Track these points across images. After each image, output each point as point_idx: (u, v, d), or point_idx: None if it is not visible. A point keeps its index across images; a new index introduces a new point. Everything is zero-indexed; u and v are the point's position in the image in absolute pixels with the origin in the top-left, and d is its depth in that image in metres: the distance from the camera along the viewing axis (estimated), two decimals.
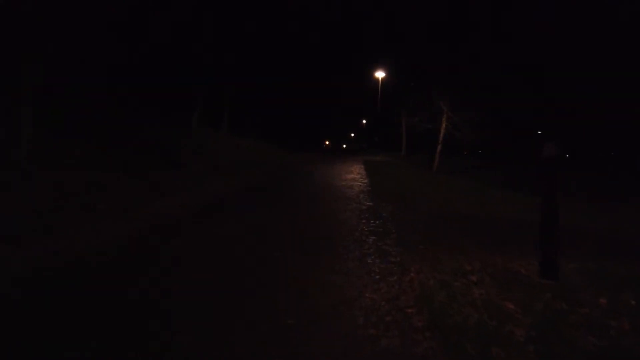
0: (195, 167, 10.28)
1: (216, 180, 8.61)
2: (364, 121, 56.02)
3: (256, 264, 3.05)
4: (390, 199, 6.55)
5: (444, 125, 18.68)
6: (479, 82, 16.17)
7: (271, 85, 22.82)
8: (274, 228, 4.31)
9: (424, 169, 17.48)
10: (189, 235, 3.93)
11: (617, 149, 34.05)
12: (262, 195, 7.00)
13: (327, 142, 58.02)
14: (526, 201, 7.41)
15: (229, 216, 4.97)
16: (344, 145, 65.39)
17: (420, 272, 2.89)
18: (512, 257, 3.35)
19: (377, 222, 4.68)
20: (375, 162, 17.15)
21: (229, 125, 19.95)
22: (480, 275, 2.84)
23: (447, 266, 3.03)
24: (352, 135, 71.81)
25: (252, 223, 4.49)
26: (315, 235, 4.00)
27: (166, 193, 6.28)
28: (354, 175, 10.44)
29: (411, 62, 18.64)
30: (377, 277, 2.81)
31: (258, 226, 4.33)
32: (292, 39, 21.93)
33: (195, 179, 8.45)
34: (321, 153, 28.45)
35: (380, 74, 20.53)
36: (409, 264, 3.10)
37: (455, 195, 7.70)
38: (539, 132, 29.01)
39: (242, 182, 8.73)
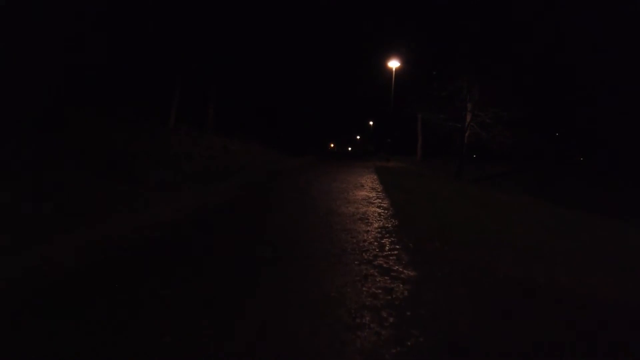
0: (156, 177, 7.40)
1: (167, 199, 5.73)
2: (371, 122, 52.99)
3: None
4: (443, 251, 3.46)
5: (468, 124, 15.61)
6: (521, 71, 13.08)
7: (270, 80, 20.09)
8: None
9: (451, 178, 14.33)
10: None
11: None
12: (208, 240, 3.93)
13: (332, 145, 55.52)
14: None
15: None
16: (350, 148, 62.85)
17: None
18: None
19: None
20: (389, 170, 14.05)
21: (216, 124, 17.06)
22: None
23: None
24: (358, 137, 69.04)
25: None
26: None
27: (56, 228, 3.31)
28: (367, 192, 7.34)
29: (436, 46, 15.58)
30: None
31: None
32: (293, 25, 19.13)
33: (139, 195, 5.63)
34: (325, 157, 25.23)
35: (394, 64, 17.38)
36: None
37: (545, 234, 4.58)
38: None
39: (203, 202, 5.70)
